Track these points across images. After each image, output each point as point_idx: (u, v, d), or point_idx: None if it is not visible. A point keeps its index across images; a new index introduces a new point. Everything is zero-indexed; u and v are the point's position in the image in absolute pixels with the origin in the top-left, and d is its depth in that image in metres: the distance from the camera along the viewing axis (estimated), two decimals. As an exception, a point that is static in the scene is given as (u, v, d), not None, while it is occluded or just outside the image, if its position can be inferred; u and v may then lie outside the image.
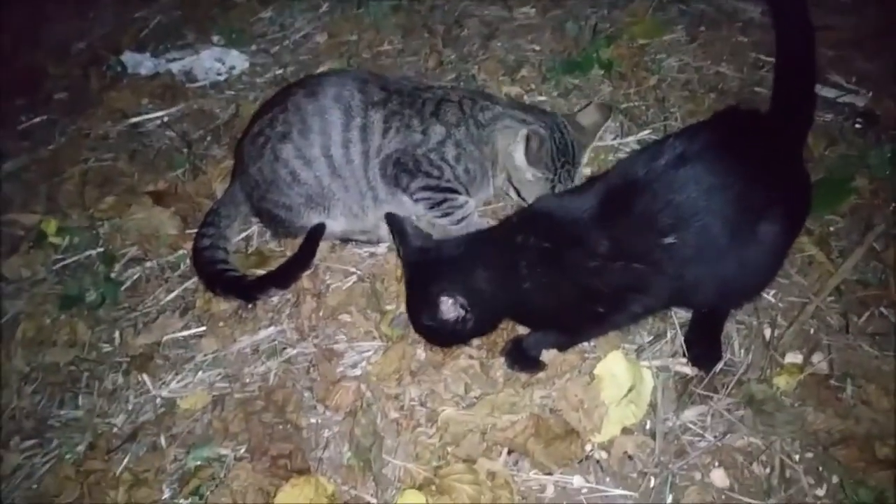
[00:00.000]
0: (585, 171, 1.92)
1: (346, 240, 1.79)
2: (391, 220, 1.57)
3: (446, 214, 1.73)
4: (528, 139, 1.64)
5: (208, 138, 2.17)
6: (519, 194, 1.74)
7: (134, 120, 2.27)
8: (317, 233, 1.70)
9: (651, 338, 1.56)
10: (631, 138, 2.01)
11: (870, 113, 2.03)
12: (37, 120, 2.35)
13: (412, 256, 1.51)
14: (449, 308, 1.41)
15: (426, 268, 1.48)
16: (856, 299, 1.61)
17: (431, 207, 1.73)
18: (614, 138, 2.02)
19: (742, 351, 1.53)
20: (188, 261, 1.78)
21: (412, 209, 1.74)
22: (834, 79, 2.13)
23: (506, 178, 1.75)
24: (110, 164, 2.13)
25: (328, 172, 1.67)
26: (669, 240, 1.34)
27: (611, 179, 1.43)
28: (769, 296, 1.60)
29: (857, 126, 2.00)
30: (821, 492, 1.34)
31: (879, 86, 2.10)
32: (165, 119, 2.26)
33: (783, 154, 1.46)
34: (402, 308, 1.63)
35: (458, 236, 1.59)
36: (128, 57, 2.48)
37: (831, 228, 1.75)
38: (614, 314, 1.44)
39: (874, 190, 1.80)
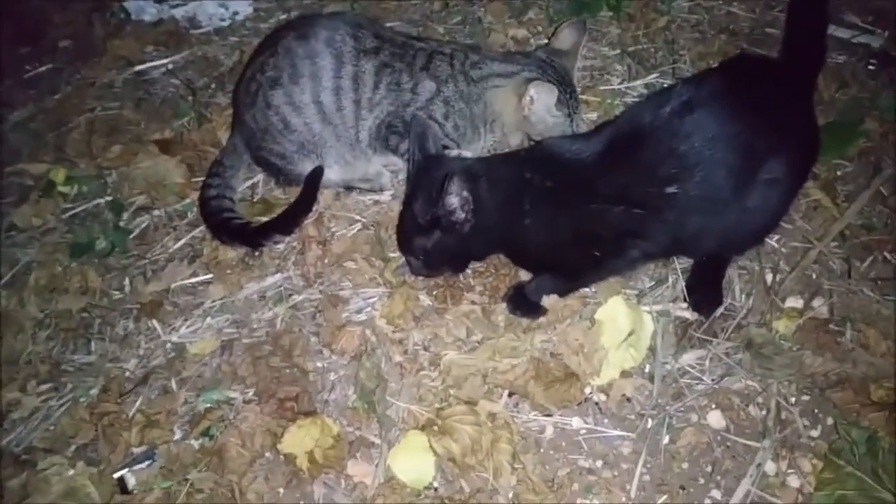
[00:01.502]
0: (591, 115, 1.91)
1: (349, 188, 1.79)
2: (417, 121, 1.54)
3: None
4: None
5: (213, 86, 2.15)
6: None
7: (139, 68, 2.25)
8: (315, 177, 1.71)
9: (652, 283, 1.57)
10: (638, 82, 1.99)
11: (884, 53, 1.99)
12: (42, 69, 2.34)
13: (423, 161, 1.50)
14: (456, 193, 1.38)
15: (435, 167, 1.47)
16: (860, 244, 1.61)
17: None
18: (621, 82, 2.00)
19: (743, 296, 1.54)
20: (195, 209, 1.79)
21: (402, 165, 1.76)
22: (849, 19, 2.08)
23: (521, 138, 1.74)
24: (116, 112, 2.12)
25: (318, 119, 1.67)
26: (672, 189, 1.33)
27: (618, 125, 1.42)
28: (772, 241, 1.60)
29: (871, 67, 1.96)
30: (815, 433, 1.37)
31: (896, 25, 2.05)
32: (170, 66, 2.25)
33: (792, 102, 1.43)
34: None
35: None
36: (131, 3, 2.44)
37: (838, 173, 1.74)
38: (612, 259, 1.44)
39: (884, 133, 1.78)
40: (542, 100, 1.63)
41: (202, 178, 1.80)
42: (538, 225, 1.41)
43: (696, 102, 1.34)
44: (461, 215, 1.41)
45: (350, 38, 1.64)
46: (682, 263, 1.57)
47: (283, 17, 2.34)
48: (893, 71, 1.93)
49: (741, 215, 1.39)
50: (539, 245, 1.44)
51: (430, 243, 1.46)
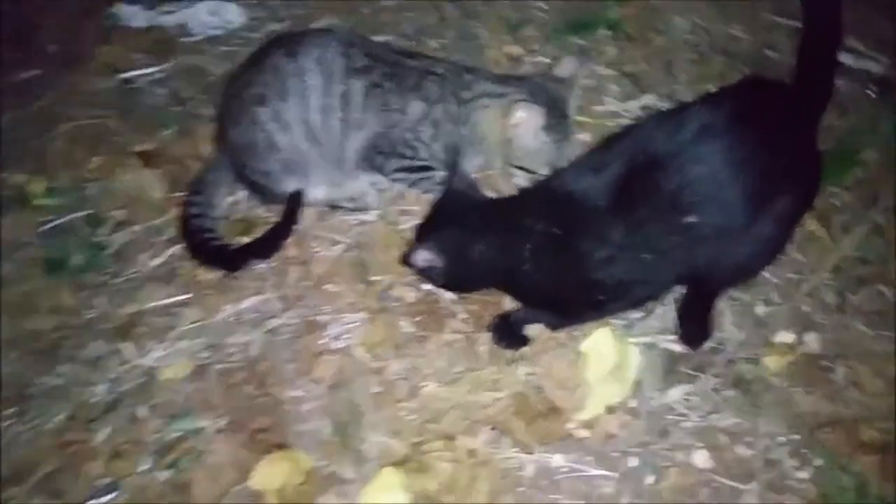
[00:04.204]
0: (584, 136, 1.86)
1: (334, 206, 1.75)
2: (451, 149, 1.54)
3: (427, 191, 1.69)
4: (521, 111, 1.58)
5: (200, 96, 2.10)
6: (526, 169, 1.66)
7: (125, 75, 2.20)
8: (295, 201, 1.66)
9: (641, 314, 1.52)
10: (633, 103, 1.94)
11: (884, 80, 1.95)
12: (29, 74, 2.29)
13: (442, 199, 1.51)
14: (420, 260, 1.40)
15: (436, 212, 1.48)
16: (854, 277, 1.58)
17: (410, 186, 1.71)
18: (617, 103, 1.95)
19: (734, 328, 1.50)
20: (175, 225, 1.75)
21: (389, 184, 1.73)
22: (851, 43, 2.03)
23: (503, 162, 1.68)
24: (100, 121, 2.06)
25: (305, 138, 1.62)
26: (691, 219, 1.27)
27: (631, 154, 1.32)
28: (765, 272, 1.55)
29: (871, 94, 1.92)
30: (804, 475, 1.33)
31: (898, 51, 2.01)
32: (158, 75, 2.19)
33: (802, 129, 1.38)
34: (389, 279, 1.61)
35: (484, 198, 1.55)
36: (121, 9, 2.39)
37: (835, 203, 1.69)
38: (616, 302, 1.41)
39: (882, 163, 1.74)
40: (527, 123, 1.58)
41: (183, 194, 1.75)
42: (539, 272, 1.37)
43: (713, 127, 1.27)
44: (432, 274, 1.41)
45: (340, 57, 1.60)
46: (671, 294, 1.52)
47: (277, 27, 2.29)
48: (893, 98, 1.89)
49: (752, 245, 1.34)
50: (538, 289, 1.41)
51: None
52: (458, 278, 1.45)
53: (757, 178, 1.27)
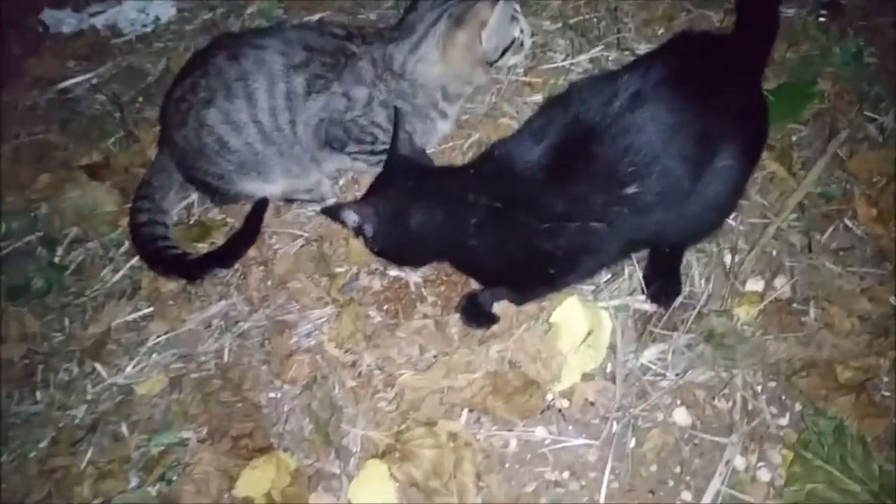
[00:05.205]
0: (536, 97, 1.83)
1: (289, 200, 1.71)
2: (397, 113, 1.51)
3: None
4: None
5: (140, 99, 2.05)
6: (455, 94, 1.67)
7: (61, 85, 2.13)
8: (261, 208, 1.64)
9: (608, 276, 1.51)
10: (582, 57, 1.90)
11: (834, 3, 1.91)
12: (-40, 95, 2.22)
13: (386, 163, 1.50)
14: (349, 220, 1.44)
15: (381, 176, 1.49)
16: (819, 214, 1.56)
17: (370, 166, 1.68)
18: (565, 58, 1.91)
19: (702, 281, 1.49)
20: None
21: (349, 165, 1.70)
22: (797, -32, 1.99)
23: (485, 73, 1.68)
24: (42, 136, 2.01)
25: (260, 138, 1.58)
26: (632, 189, 1.26)
27: (567, 124, 1.31)
28: (729, 219, 1.54)
29: (821, 19, 1.88)
30: (783, 421, 1.33)
31: (844, -30, 1.96)
32: (94, 81, 2.13)
33: (740, 80, 1.35)
34: (353, 270, 1.59)
35: (428, 166, 1.53)
36: (47, 15, 2.31)
37: (793, 138, 1.67)
38: (567, 275, 1.40)
39: (838, 92, 1.72)
40: (493, 20, 1.56)
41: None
42: (486, 246, 1.35)
43: (645, 93, 1.25)
44: (367, 237, 1.42)
45: (279, 56, 1.55)
46: (637, 254, 1.51)
47: (209, 16, 2.23)
48: (844, 22, 1.85)
49: (701, 205, 1.32)
50: (487, 264, 1.39)
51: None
52: (396, 245, 1.44)
53: (694, 140, 1.25)
